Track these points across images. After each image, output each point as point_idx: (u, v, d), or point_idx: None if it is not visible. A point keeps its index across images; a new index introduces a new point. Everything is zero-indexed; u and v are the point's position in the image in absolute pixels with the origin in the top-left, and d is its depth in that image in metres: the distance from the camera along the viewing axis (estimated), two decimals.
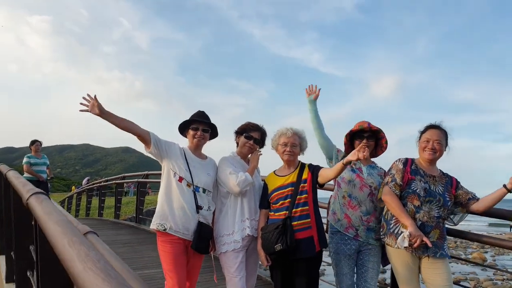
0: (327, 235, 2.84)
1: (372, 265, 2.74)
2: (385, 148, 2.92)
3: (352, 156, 2.27)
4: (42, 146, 7.61)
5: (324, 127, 3.00)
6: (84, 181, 24.19)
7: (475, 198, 2.59)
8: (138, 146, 2.72)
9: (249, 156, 2.85)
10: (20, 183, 2.16)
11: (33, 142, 7.43)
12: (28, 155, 7.40)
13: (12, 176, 2.59)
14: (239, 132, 2.84)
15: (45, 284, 1.59)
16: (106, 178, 12.19)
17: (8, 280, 3.89)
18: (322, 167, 2.68)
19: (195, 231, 2.55)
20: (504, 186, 2.49)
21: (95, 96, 2.41)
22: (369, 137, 2.81)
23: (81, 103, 2.42)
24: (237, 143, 2.87)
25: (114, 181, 10.98)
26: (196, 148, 2.76)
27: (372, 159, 2.97)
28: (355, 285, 2.78)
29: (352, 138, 2.86)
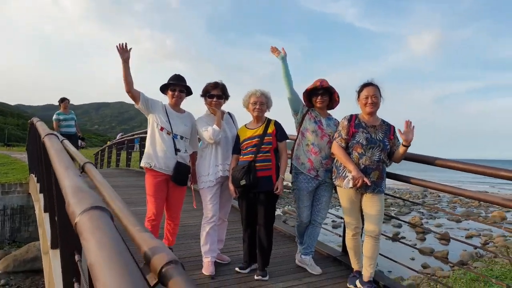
0: (291, 175, 3.45)
1: (325, 199, 3.39)
2: (338, 101, 3.43)
3: None
4: (81, 103, 8.52)
5: (293, 83, 3.39)
6: (118, 136, 25.63)
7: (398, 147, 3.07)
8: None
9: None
10: (40, 126, 2.86)
11: (62, 99, 8.30)
12: (58, 112, 8.29)
13: (38, 123, 3.33)
14: (204, 95, 3.35)
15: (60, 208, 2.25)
16: (132, 133, 13.22)
17: (46, 210, 4.84)
18: (285, 140, 3.22)
19: (174, 168, 3.23)
20: (402, 144, 2.99)
21: (130, 49, 3.01)
22: (323, 94, 3.31)
23: (118, 45, 3.01)
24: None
25: (139, 135, 11.99)
26: (175, 105, 3.38)
27: (328, 111, 3.48)
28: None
29: (310, 95, 3.37)
